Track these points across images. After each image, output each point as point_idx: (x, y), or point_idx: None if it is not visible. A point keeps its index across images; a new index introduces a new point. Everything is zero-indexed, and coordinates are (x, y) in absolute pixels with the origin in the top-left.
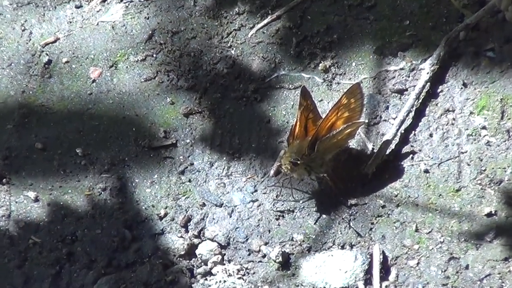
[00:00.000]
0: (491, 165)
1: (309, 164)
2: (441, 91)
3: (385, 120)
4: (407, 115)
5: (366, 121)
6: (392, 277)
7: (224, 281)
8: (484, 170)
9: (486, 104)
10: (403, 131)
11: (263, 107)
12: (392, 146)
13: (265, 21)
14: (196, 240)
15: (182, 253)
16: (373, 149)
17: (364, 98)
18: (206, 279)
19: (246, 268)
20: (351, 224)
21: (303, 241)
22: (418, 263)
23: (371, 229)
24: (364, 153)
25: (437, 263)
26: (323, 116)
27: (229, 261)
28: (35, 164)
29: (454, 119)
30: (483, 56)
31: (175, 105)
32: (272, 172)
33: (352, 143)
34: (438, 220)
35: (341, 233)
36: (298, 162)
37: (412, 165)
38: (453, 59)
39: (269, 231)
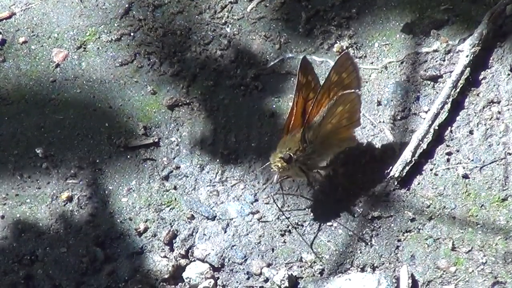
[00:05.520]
0: None
1: (305, 162)
2: (484, 78)
3: (415, 114)
4: (442, 107)
5: (359, 91)
6: None
7: None
8: None
9: None
10: (437, 127)
11: (266, 97)
12: (424, 145)
13: None
14: (183, 261)
15: (166, 276)
16: (400, 149)
17: (358, 69)
18: None
19: None
20: (373, 241)
21: (315, 262)
22: None
23: (397, 247)
24: (389, 155)
25: None
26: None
27: (224, 287)
28: None
29: (499, 112)
30: None
31: (157, 95)
32: (275, 177)
33: (375, 142)
34: (480, 236)
35: (361, 253)
36: (291, 155)
37: (448, 168)
38: (498, 39)
39: (273, 249)
